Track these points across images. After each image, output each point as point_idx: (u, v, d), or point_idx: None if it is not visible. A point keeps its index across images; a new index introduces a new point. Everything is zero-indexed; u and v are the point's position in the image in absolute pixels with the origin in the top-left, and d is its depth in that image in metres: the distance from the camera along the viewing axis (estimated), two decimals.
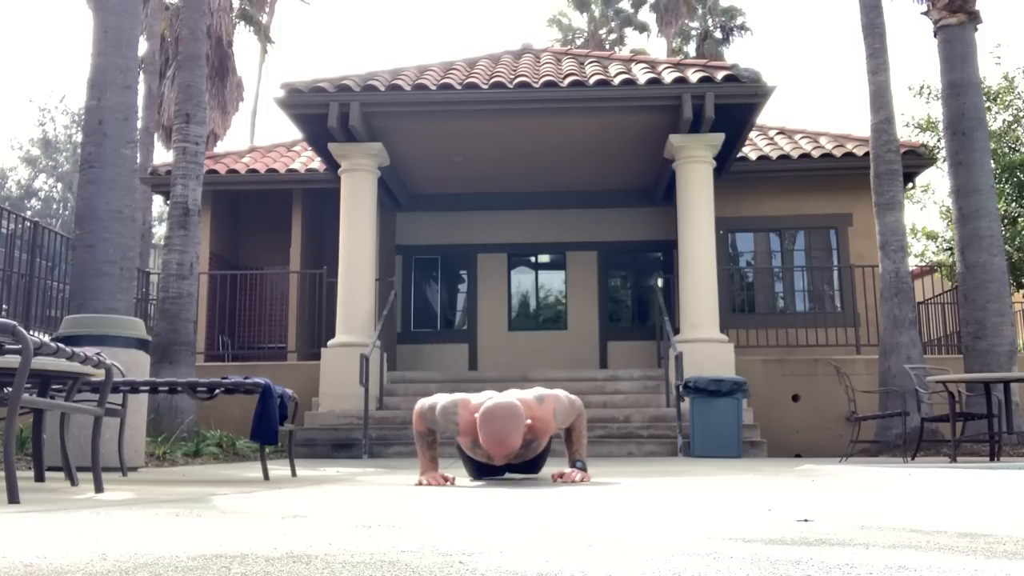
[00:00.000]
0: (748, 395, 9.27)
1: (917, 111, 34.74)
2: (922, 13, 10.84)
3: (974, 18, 10.41)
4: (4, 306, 10.03)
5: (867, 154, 10.97)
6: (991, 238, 9.90)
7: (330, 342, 11.03)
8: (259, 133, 51.11)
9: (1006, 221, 13.03)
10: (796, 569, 1.44)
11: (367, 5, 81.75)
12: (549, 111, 11.06)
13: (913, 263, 15.06)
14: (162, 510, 2.61)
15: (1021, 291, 13.67)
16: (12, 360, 3.15)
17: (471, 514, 2.55)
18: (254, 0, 24.66)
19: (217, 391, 4.85)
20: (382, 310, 11.35)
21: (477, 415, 3.86)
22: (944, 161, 11.09)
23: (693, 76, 10.68)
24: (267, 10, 25.74)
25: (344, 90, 10.73)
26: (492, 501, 3.08)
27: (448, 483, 4.07)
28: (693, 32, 31.70)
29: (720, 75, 10.64)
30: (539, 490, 3.64)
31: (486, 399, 4.03)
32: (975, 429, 8.86)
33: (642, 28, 32.19)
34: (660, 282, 14.12)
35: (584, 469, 4.46)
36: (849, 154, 12.80)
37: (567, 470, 4.44)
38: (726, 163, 11.96)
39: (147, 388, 4.95)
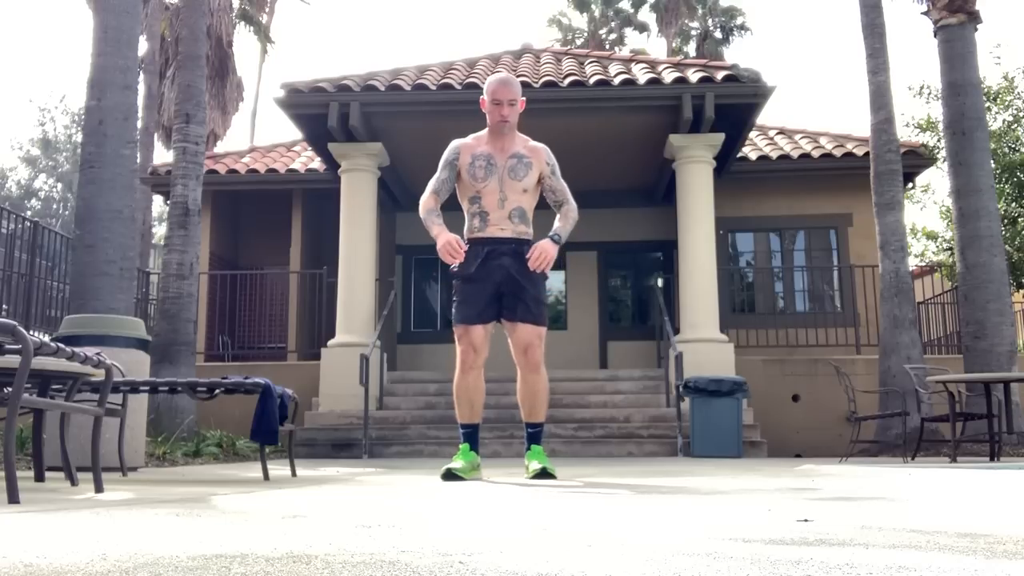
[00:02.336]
0: (748, 395, 9.27)
1: (917, 111, 34.79)
2: (922, 13, 10.85)
3: (974, 18, 10.41)
4: (4, 306, 10.03)
5: (867, 154, 10.97)
6: (991, 238, 9.90)
7: (330, 342, 11.02)
8: (259, 133, 51.12)
9: (1006, 221, 13.02)
10: (796, 569, 1.44)
11: (367, 5, 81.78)
12: (549, 111, 11.05)
13: (913, 263, 15.06)
14: (162, 510, 2.61)
15: (1021, 291, 13.66)
16: (12, 360, 3.15)
17: (471, 514, 2.55)
18: (254, 0, 24.66)
19: (217, 391, 4.85)
20: (382, 310, 11.35)
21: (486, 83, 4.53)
22: (944, 161, 11.10)
23: (693, 76, 10.69)
24: (267, 10, 25.75)
25: (344, 90, 10.73)
26: (492, 501, 3.08)
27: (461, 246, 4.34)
28: (693, 32, 31.70)
29: (720, 75, 10.64)
30: (539, 490, 3.64)
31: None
32: (975, 429, 8.87)
33: (642, 28, 32.20)
34: (660, 282, 14.12)
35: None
36: (849, 154, 12.81)
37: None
38: (726, 163, 11.96)
39: (147, 388, 4.95)
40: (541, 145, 4.62)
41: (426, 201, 4.57)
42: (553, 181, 4.58)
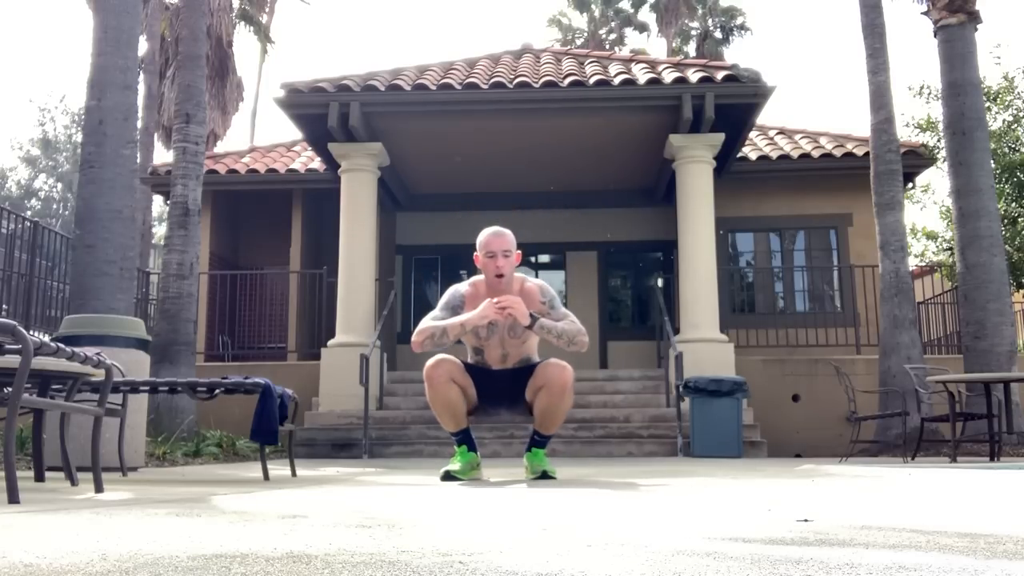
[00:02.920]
0: (748, 395, 9.27)
1: (917, 111, 34.74)
2: (922, 13, 10.85)
3: (974, 18, 10.41)
4: (4, 306, 10.03)
5: (867, 154, 10.97)
6: (991, 238, 9.90)
7: (330, 342, 11.02)
8: (259, 133, 51.10)
9: (1006, 221, 13.02)
10: (796, 569, 1.44)
11: (367, 5, 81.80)
12: (549, 111, 11.06)
13: (913, 263, 15.06)
14: (162, 510, 2.61)
15: (1021, 291, 13.66)
16: (12, 360, 3.15)
17: (471, 514, 2.55)
18: (254, 0, 24.66)
19: (217, 391, 4.85)
20: (382, 310, 11.35)
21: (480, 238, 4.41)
22: (944, 161, 11.10)
23: (693, 76, 10.69)
24: (267, 10, 25.75)
25: (344, 90, 10.73)
26: (492, 501, 3.08)
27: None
28: (693, 32, 31.70)
29: (720, 75, 10.64)
30: (539, 490, 3.64)
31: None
32: (975, 429, 8.87)
33: (642, 28, 32.21)
34: (660, 282, 14.12)
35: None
36: (849, 154, 12.81)
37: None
38: (726, 163, 11.96)
39: (147, 388, 4.95)
40: (535, 285, 4.45)
41: (426, 327, 4.31)
42: (554, 315, 4.39)
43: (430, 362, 4.32)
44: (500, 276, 4.31)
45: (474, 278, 4.50)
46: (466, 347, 4.56)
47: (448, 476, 4.30)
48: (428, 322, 4.34)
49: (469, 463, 4.43)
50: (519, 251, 4.41)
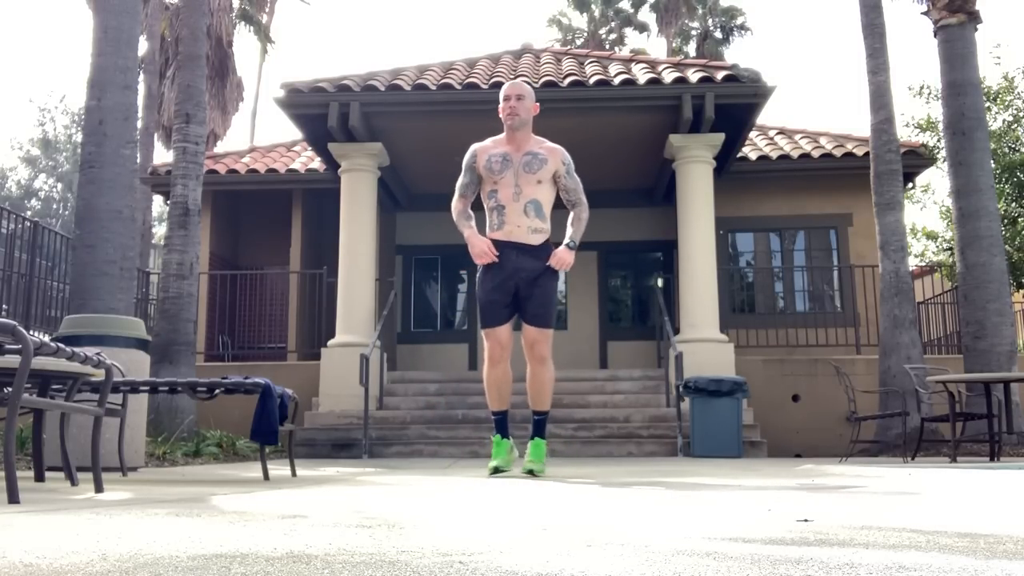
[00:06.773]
0: (748, 395, 9.26)
1: (917, 111, 34.78)
2: (922, 13, 10.85)
3: (974, 18, 10.41)
4: (4, 306, 10.03)
5: (867, 154, 10.97)
6: (991, 238, 9.90)
7: (330, 342, 11.02)
8: (259, 133, 51.11)
9: (1006, 221, 13.03)
10: (796, 569, 1.44)
11: (367, 5, 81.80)
12: (549, 111, 10.97)
13: (913, 263, 15.06)
14: (162, 510, 2.61)
15: (1021, 291, 13.67)
16: (12, 360, 3.15)
17: (471, 514, 2.55)
18: (254, 0, 24.67)
19: (217, 391, 4.84)
20: (382, 310, 11.34)
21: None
22: (944, 161, 11.10)
23: (693, 76, 10.68)
24: (267, 10, 25.76)
25: (344, 90, 10.73)
26: (492, 501, 3.08)
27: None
28: (693, 32, 31.70)
29: (720, 75, 10.64)
30: (539, 489, 3.64)
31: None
32: (975, 429, 8.87)
33: (642, 28, 32.20)
34: (660, 282, 14.11)
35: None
36: (849, 154, 12.81)
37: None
38: (726, 163, 11.96)
39: (147, 388, 4.95)
40: (558, 146, 4.90)
41: (455, 205, 4.85)
42: (567, 180, 4.87)
43: (491, 342, 4.73)
44: (514, 115, 4.72)
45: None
46: (483, 204, 4.89)
47: (496, 471, 4.76)
48: (457, 198, 4.86)
49: (507, 450, 4.86)
50: (537, 103, 4.86)
